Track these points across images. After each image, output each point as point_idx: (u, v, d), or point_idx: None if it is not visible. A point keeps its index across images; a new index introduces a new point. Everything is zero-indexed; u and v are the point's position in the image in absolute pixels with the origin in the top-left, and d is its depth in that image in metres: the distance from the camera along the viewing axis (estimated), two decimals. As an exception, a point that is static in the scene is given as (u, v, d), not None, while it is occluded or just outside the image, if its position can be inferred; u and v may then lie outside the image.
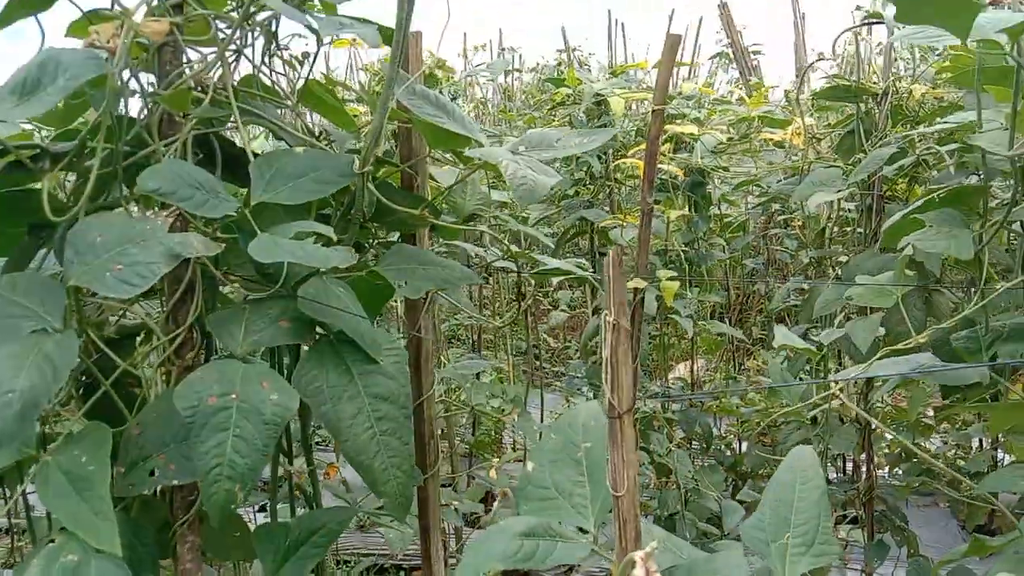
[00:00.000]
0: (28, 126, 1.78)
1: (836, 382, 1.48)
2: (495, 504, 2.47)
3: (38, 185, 1.46)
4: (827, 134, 2.94)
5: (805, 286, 2.89)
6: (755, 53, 6.17)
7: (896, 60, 2.67)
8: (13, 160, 1.35)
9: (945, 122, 1.71)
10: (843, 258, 2.81)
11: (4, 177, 1.37)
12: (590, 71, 6.33)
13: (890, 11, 1.67)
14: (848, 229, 3.16)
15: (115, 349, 1.44)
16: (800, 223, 3.33)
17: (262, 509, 2.81)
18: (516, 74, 7.23)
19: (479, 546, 1.04)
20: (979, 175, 1.64)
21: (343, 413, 1.29)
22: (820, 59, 2.74)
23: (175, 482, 1.26)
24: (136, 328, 1.57)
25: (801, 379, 2.77)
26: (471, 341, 5.44)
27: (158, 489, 1.40)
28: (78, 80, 1.13)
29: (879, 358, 1.53)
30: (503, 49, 7.24)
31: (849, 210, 3.01)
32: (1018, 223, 1.46)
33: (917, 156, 2.32)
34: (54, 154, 1.34)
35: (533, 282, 2.97)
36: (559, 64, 6.95)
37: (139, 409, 1.40)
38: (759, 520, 1.18)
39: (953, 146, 1.93)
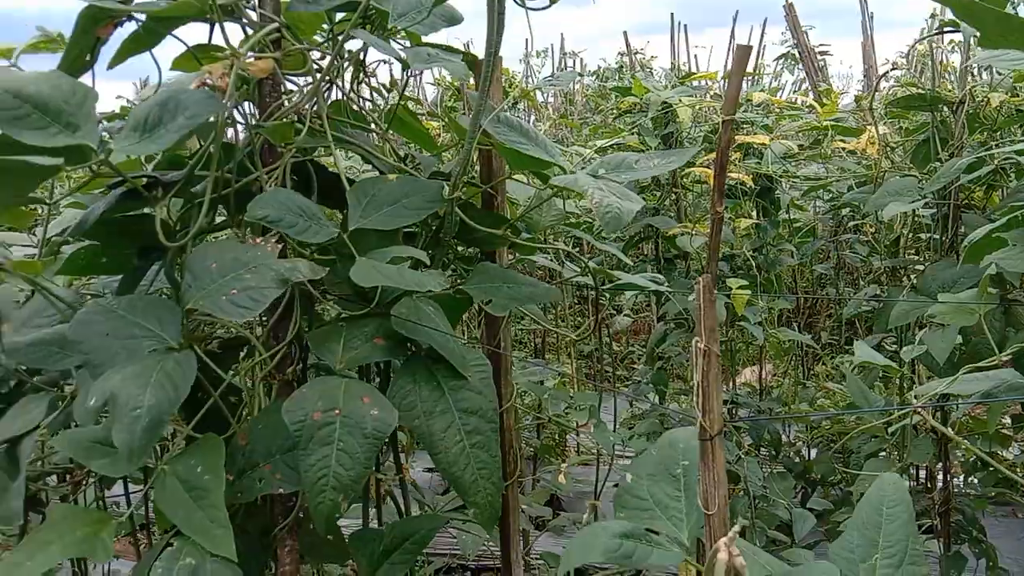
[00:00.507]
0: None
1: (917, 398, 1.49)
2: (585, 516, 2.52)
3: (145, 211, 1.57)
4: (902, 143, 2.91)
5: (879, 295, 2.87)
6: (822, 54, 6.09)
7: (972, 67, 2.63)
8: (128, 188, 1.45)
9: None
10: (919, 267, 2.78)
11: (119, 205, 1.48)
12: (652, 74, 6.34)
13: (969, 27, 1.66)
14: (923, 236, 3.12)
15: (217, 362, 1.54)
16: (873, 229, 3.29)
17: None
18: (578, 78, 7.26)
19: (581, 542, 1.10)
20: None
21: (435, 427, 1.36)
22: (893, 68, 2.71)
23: (280, 490, 1.34)
24: (236, 342, 1.67)
25: (872, 390, 2.75)
26: (533, 346, 5.50)
27: (259, 496, 1.49)
28: (197, 119, 1.22)
29: (960, 375, 1.53)
30: (564, 54, 7.29)
31: (924, 217, 2.98)
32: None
33: (996, 165, 2.29)
34: (165, 183, 1.44)
35: (607, 295, 3.02)
36: (621, 68, 6.96)
37: (239, 420, 1.49)
38: (847, 542, 1.21)
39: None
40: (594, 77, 7.47)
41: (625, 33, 6.77)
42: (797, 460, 3.94)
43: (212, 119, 1.36)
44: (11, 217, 2.10)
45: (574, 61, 6.97)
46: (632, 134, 3.45)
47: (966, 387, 1.49)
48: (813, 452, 3.96)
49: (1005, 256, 1.40)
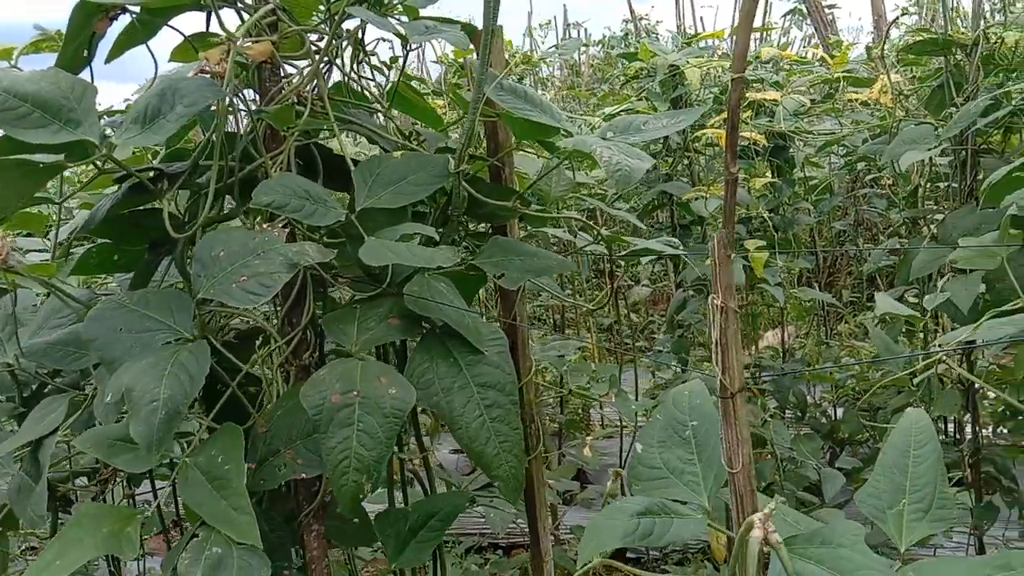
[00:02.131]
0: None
1: (941, 347, 1.46)
2: (608, 484, 2.51)
3: (151, 205, 1.56)
4: (915, 90, 2.85)
5: (899, 247, 2.83)
6: (830, 7, 5.97)
7: (984, 6, 2.56)
8: (134, 183, 1.45)
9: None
10: (938, 216, 2.73)
11: (126, 200, 1.47)
12: (659, 39, 6.25)
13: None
14: (942, 185, 3.06)
15: (234, 352, 1.54)
16: (890, 181, 3.24)
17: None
18: (582, 48, 7.18)
19: (598, 526, 1.08)
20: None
21: (454, 403, 1.35)
22: (904, 14, 2.64)
23: (303, 475, 1.34)
24: (252, 331, 1.67)
25: (898, 343, 2.71)
26: (553, 321, 5.48)
27: (283, 482, 1.49)
28: (197, 107, 1.21)
29: (984, 320, 1.50)
30: (568, 25, 7.21)
31: (942, 165, 2.92)
32: None
33: (1013, 106, 2.24)
34: (170, 175, 1.43)
35: (622, 263, 2.98)
36: (626, 35, 6.88)
37: (259, 408, 1.49)
38: (874, 487, 1.18)
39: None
40: (600, 47, 7.39)
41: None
42: (824, 420, 3.91)
43: (212, 106, 1.35)
44: (27, 222, 2.11)
45: (578, 32, 6.89)
46: (640, 100, 3.40)
47: (990, 333, 1.46)
48: (840, 412, 3.93)
49: (1026, 196, 1.37)
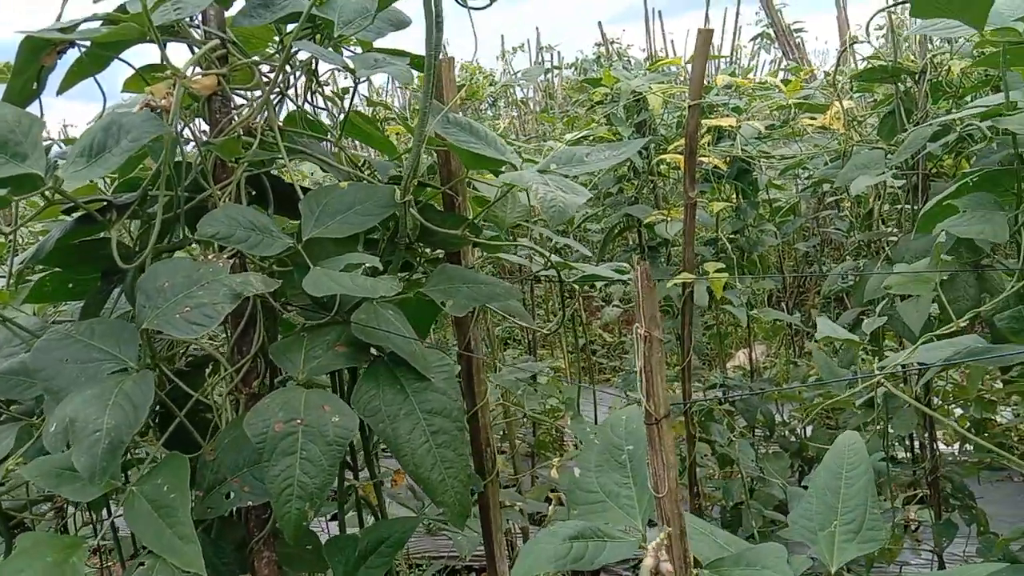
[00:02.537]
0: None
1: (880, 371, 1.50)
2: (551, 509, 2.53)
3: (103, 234, 1.58)
4: (868, 115, 2.92)
5: (853, 271, 2.88)
6: (797, 31, 6.09)
7: (932, 38, 2.64)
8: (83, 213, 1.47)
9: (975, 107, 1.71)
10: (893, 238, 2.79)
11: (76, 230, 1.49)
12: (630, 62, 6.33)
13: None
14: (899, 207, 3.13)
15: (186, 380, 1.55)
16: (848, 204, 3.30)
17: (334, 518, 2.92)
18: (556, 71, 7.27)
19: (530, 550, 1.10)
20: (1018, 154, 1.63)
21: (400, 429, 1.37)
22: (855, 41, 2.71)
23: (250, 503, 1.35)
24: (205, 359, 1.68)
25: (855, 365, 2.76)
26: (527, 342, 5.51)
27: (235, 509, 1.50)
28: (140, 142, 1.23)
29: (923, 343, 1.54)
30: (541, 48, 7.29)
31: (897, 188, 2.98)
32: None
33: (959, 133, 2.30)
34: (119, 205, 1.45)
35: (578, 287, 3.01)
36: (598, 58, 6.96)
37: (212, 435, 1.50)
38: (806, 509, 1.21)
39: (991, 123, 1.92)
40: (572, 69, 7.48)
41: (600, 23, 6.78)
42: (793, 439, 3.95)
43: (161, 138, 1.37)
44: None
45: (551, 55, 6.98)
46: (603, 125, 3.45)
47: (927, 355, 1.50)
48: (809, 430, 3.97)
49: (955, 223, 1.41)
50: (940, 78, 2.55)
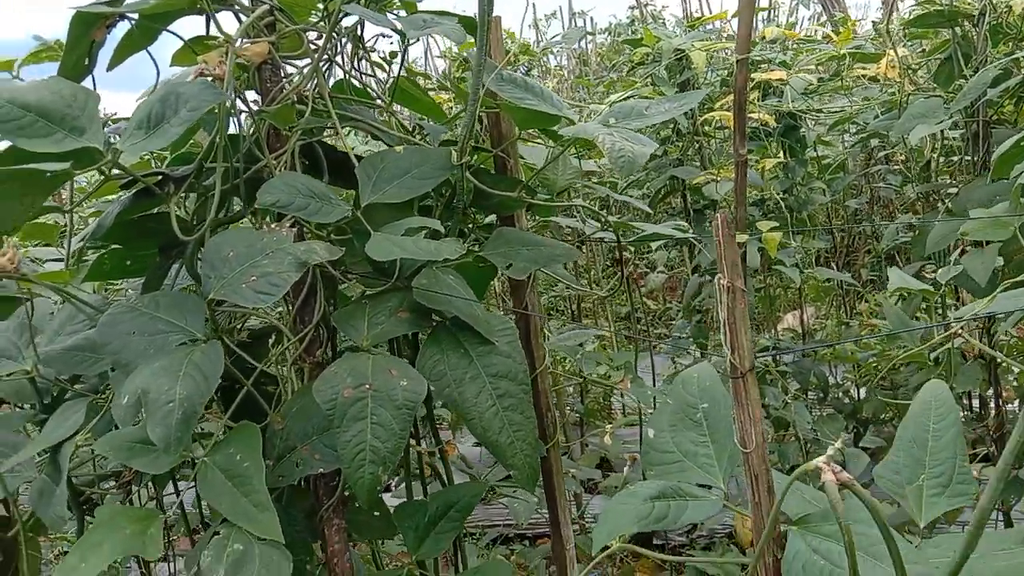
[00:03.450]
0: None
1: (957, 321, 1.45)
2: (626, 470, 2.51)
3: (159, 208, 1.58)
4: (923, 63, 2.82)
5: (915, 222, 2.80)
6: (837, -16, 5.90)
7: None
8: (140, 188, 1.46)
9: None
10: (952, 190, 2.70)
11: (134, 205, 1.49)
12: (665, 25, 6.21)
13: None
14: (955, 159, 3.03)
15: (248, 352, 1.55)
16: (903, 158, 3.21)
17: (386, 490, 2.93)
18: (589, 38, 7.15)
19: (612, 511, 1.08)
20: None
21: (467, 393, 1.36)
22: (908, -14, 2.60)
23: (320, 470, 1.35)
24: (266, 330, 1.68)
25: (918, 319, 2.69)
26: (571, 311, 5.48)
27: (303, 478, 1.50)
28: (199, 111, 1.22)
29: (998, 292, 1.49)
30: (573, 14, 7.18)
31: (954, 138, 2.89)
32: None
33: (1023, 75, 2.21)
34: (176, 179, 1.44)
35: (632, 249, 2.97)
36: (632, 22, 6.84)
37: (276, 405, 1.50)
38: (893, 462, 1.17)
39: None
40: (607, 35, 7.35)
41: (633, -15, 6.62)
42: (847, 401, 3.88)
43: (215, 109, 1.36)
44: (39, 232, 2.14)
45: (583, 20, 6.86)
46: (647, 86, 3.39)
47: (1006, 304, 1.44)
48: (863, 392, 3.90)
49: (1037, 164, 1.35)
50: (1000, 20, 2.44)
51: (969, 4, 2.54)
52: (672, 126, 3.60)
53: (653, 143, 1.34)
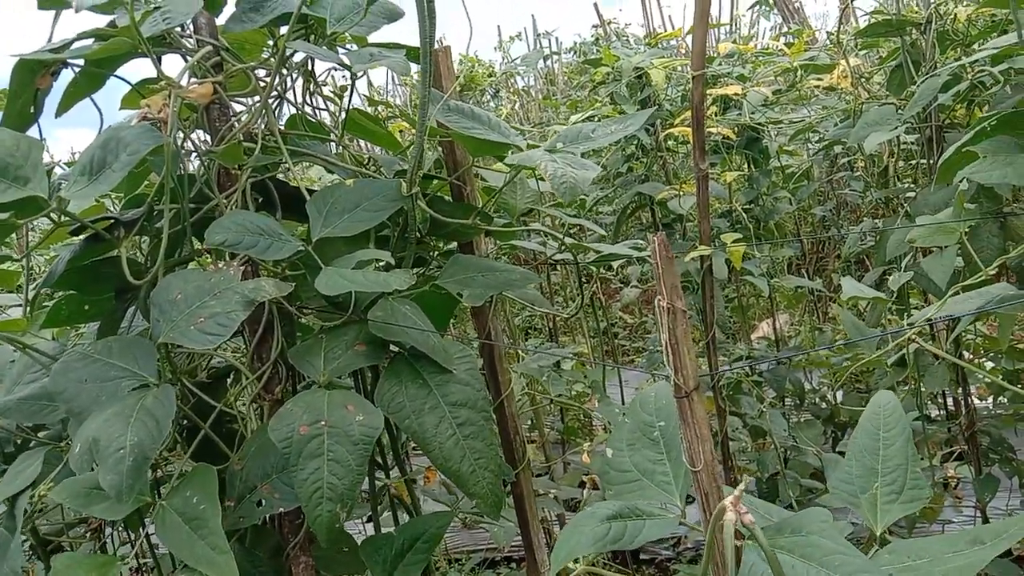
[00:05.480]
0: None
1: (911, 327, 1.47)
2: (585, 492, 2.51)
3: (113, 253, 1.57)
4: (876, 71, 2.87)
5: (870, 230, 2.84)
6: (795, -5, 6.00)
7: (936, -17, 2.58)
8: (91, 233, 1.46)
9: (985, 51, 1.66)
10: (911, 194, 2.74)
11: (86, 251, 1.48)
12: (629, 42, 6.27)
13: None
14: (913, 163, 3.08)
15: (210, 391, 1.55)
16: (863, 164, 3.25)
17: (371, 520, 2.91)
18: (555, 57, 7.22)
19: (569, 534, 1.08)
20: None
21: (426, 424, 1.36)
22: (856, -3, 2.65)
23: (281, 509, 1.34)
24: (227, 369, 1.67)
25: (883, 325, 2.72)
26: (548, 329, 5.49)
27: (268, 516, 1.49)
28: (138, 154, 1.22)
29: (952, 295, 1.51)
30: (538, 34, 7.24)
31: (911, 144, 2.93)
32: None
33: (971, 80, 2.25)
34: (126, 222, 1.44)
35: (593, 270, 2.98)
36: (596, 40, 6.90)
37: (239, 445, 1.49)
38: (846, 472, 1.18)
39: (1004, 66, 1.87)
40: (572, 53, 7.42)
41: (596, 4, 6.70)
42: (824, 406, 3.91)
43: (161, 151, 1.36)
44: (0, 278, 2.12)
45: (549, 40, 6.93)
46: (607, 105, 3.42)
47: (956, 308, 1.46)
48: (839, 396, 3.92)
49: (976, 169, 1.37)
50: (946, 27, 2.49)
51: (916, 12, 2.59)
52: (636, 143, 3.63)
53: (596, 167, 1.36)
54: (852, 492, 1.15)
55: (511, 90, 6.35)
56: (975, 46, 2.54)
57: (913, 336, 1.45)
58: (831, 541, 0.99)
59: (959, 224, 1.47)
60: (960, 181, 1.44)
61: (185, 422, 1.59)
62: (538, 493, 3.09)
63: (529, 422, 3.77)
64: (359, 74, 1.56)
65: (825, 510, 1.02)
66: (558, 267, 4.50)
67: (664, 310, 1.00)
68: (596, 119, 3.45)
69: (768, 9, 6.52)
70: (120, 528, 2.26)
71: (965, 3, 2.39)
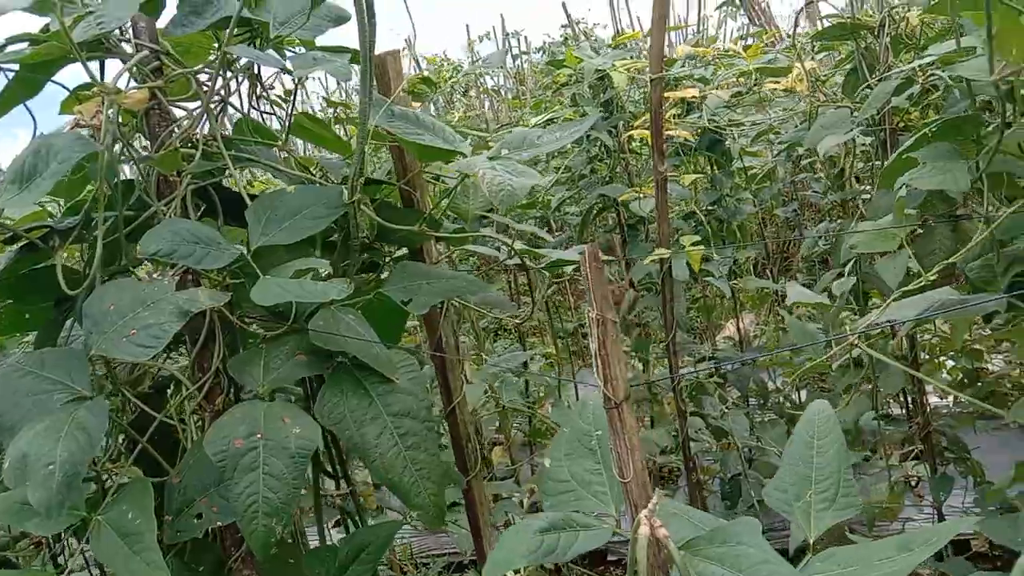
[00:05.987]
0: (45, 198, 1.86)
1: (854, 333, 1.47)
2: (526, 502, 2.51)
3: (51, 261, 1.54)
4: (832, 74, 2.89)
5: (823, 232, 2.86)
6: (761, -4, 6.04)
7: (889, -12, 2.60)
8: (26, 243, 1.43)
9: (931, 55, 1.68)
10: (866, 196, 2.77)
11: (22, 259, 1.45)
12: (597, 42, 6.28)
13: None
14: (871, 164, 3.10)
15: (152, 402, 1.52)
16: (820, 166, 3.28)
17: (336, 525, 2.89)
18: (524, 57, 7.21)
19: (503, 546, 1.07)
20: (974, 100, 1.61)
21: (368, 435, 1.34)
22: (810, 1, 2.67)
23: (219, 523, 1.32)
24: (169, 380, 1.65)
25: (845, 325, 2.74)
26: (518, 333, 5.48)
27: (210, 529, 1.47)
28: (69, 162, 1.19)
29: (894, 300, 1.52)
30: (507, 34, 7.23)
31: (867, 145, 2.95)
32: (1017, 146, 1.43)
33: (923, 84, 2.27)
34: (60, 231, 1.41)
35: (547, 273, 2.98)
36: (565, 39, 6.91)
37: (181, 457, 1.47)
38: (781, 481, 1.19)
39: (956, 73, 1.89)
40: (541, 53, 7.41)
41: (564, 4, 6.70)
42: (788, 405, 3.93)
43: (100, 164, 1.33)
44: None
45: (518, 40, 6.92)
46: (568, 107, 3.42)
47: (902, 312, 1.48)
48: (803, 395, 3.95)
49: (915, 176, 1.38)
50: (900, 31, 2.51)
51: (870, 16, 2.61)
52: (600, 145, 3.64)
53: (536, 176, 1.35)
54: (786, 500, 1.16)
55: (481, 89, 6.33)
56: (929, 49, 2.56)
57: (855, 341, 1.46)
58: (759, 551, 0.99)
59: (900, 230, 1.48)
60: (899, 188, 1.45)
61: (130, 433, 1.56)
62: (502, 496, 3.09)
63: (496, 424, 3.76)
64: (304, 78, 1.54)
65: (755, 520, 1.02)
66: (528, 270, 4.49)
67: (594, 321, 0.99)
68: (559, 121, 3.45)
69: (735, 10, 6.56)
70: (70, 538, 2.23)
71: (917, 8, 2.41)
